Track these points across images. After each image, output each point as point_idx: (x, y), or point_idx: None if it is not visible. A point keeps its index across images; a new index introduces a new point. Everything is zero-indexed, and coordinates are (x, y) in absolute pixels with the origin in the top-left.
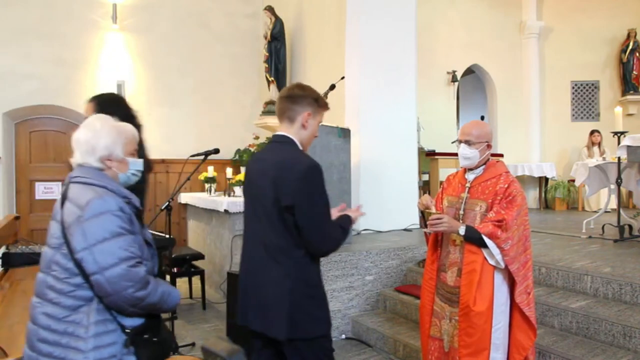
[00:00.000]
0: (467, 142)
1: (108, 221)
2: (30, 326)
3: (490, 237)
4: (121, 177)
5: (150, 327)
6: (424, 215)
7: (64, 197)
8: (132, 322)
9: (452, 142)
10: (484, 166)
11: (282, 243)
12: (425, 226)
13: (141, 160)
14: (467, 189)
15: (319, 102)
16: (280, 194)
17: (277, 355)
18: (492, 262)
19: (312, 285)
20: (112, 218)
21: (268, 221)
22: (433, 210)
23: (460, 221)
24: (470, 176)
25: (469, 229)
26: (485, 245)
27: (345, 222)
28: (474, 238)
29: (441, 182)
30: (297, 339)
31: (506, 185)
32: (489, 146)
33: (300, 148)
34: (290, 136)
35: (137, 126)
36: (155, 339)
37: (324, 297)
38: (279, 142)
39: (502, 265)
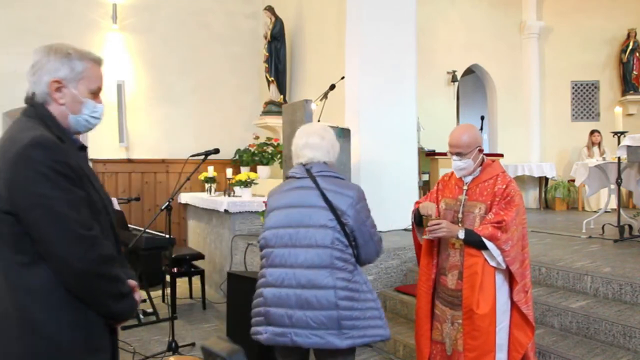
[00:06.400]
0: (459, 154)
1: (367, 204)
2: (319, 293)
3: (491, 239)
4: None
5: None
6: (417, 218)
7: (318, 187)
8: None
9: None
10: (480, 167)
11: None
12: (419, 225)
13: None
14: (464, 191)
15: None
16: None
17: None
18: (492, 263)
19: None
20: (366, 201)
21: None
22: (433, 216)
23: (460, 224)
24: (467, 178)
25: (468, 232)
26: (485, 248)
27: None
28: (473, 241)
29: (437, 182)
30: None
31: (504, 186)
32: (480, 150)
33: None
34: None
35: None
36: None
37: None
38: None
39: (504, 266)
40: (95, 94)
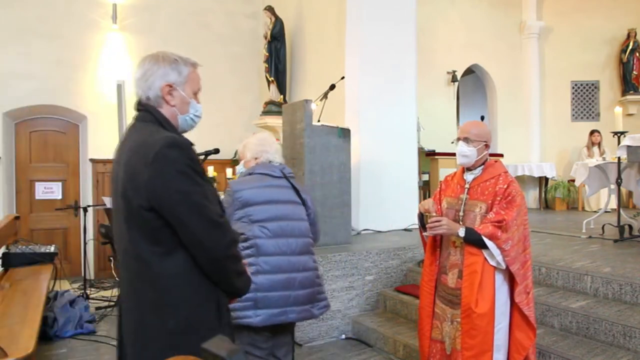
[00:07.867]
0: (466, 140)
1: None
2: (307, 274)
3: (491, 238)
4: None
5: None
6: (422, 218)
7: (292, 186)
8: None
9: (452, 142)
10: (482, 166)
11: None
12: (425, 229)
13: None
14: (466, 190)
15: None
16: None
17: None
18: (492, 262)
19: None
20: None
21: None
22: (433, 213)
23: (460, 223)
24: (469, 177)
25: (468, 231)
26: (485, 247)
27: None
28: (473, 240)
29: (440, 183)
30: None
31: (505, 186)
32: (487, 146)
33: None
34: None
35: None
36: None
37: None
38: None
39: (504, 266)
40: (196, 94)
